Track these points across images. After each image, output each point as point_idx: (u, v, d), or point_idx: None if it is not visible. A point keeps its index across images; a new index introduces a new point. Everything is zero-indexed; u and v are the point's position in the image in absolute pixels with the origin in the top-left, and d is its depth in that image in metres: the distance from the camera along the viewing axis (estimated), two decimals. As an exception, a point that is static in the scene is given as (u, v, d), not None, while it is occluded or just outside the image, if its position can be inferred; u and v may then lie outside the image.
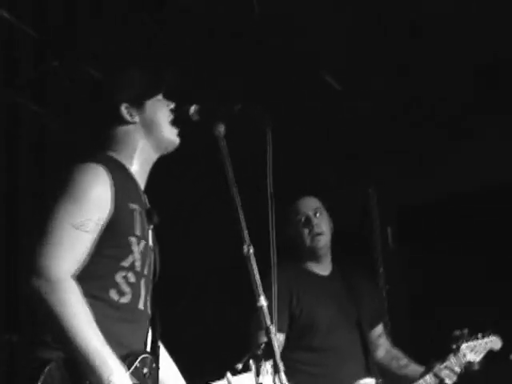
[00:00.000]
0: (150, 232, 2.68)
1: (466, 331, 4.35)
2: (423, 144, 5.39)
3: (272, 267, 2.59)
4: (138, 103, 2.72)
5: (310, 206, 4.19)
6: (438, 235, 5.64)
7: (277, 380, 2.36)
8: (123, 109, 2.70)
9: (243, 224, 2.52)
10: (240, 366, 2.53)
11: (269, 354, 2.41)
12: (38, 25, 4.24)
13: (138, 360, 2.49)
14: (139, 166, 2.72)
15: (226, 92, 3.63)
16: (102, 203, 2.48)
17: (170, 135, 2.75)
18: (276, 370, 2.37)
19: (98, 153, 2.67)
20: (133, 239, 2.56)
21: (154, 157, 2.77)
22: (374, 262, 5.76)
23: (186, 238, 5.38)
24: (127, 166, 2.69)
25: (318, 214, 4.17)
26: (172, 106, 2.78)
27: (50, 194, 2.49)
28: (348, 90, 4.92)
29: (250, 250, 2.49)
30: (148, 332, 2.67)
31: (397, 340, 5.52)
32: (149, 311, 2.65)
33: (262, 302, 2.44)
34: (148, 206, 2.72)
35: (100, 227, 2.47)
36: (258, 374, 2.42)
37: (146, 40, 4.34)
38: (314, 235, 4.13)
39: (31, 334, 2.47)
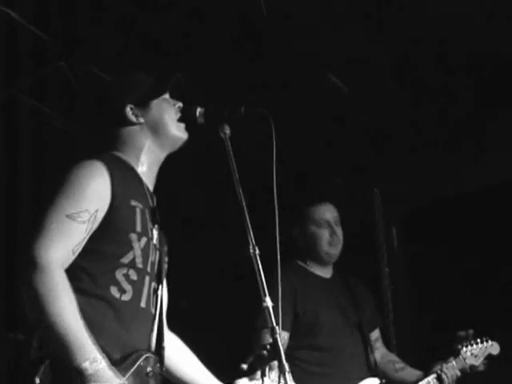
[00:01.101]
0: (155, 231, 2.67)
1: (470, 332, 4.36)
2: (428, 144, 5.39)
3: (278, 268, 2.59)
4: (143, 104, 2.72)
5: (333, 214, 4.29)
6: (443, 235, 5.63)
7: (282, 381, 2.36)
8: (128, 110, 2.70)
9: (248, 225, 2.52)
10: (245, 366, 2.54)
11: (274, 354, 2.42)
12: (41, 23, 4.24)
13: (142, 359, 2.48)
14: (147, 167, 2.72)
15: (231, 94, 3.63)
16: (101, 196, 2.48)
17: (177, 131, 2.75)
18: (281, 371, 2.37)
19: (103, 153, 2.66)
20: (133, 236, 2.55)
21: (161, 156, 2.77)
22: (379, 261, 5.76)
23: (194, 240, 5.39)
24: (134, 166, 2.69)
25: (338, 223, 4.28)
26: (179, 104, 2.78)
27: (51, 189, 2.51)
28: (353, 93, 4.91)
29: (255, 250, 2.50)
30: (152, 331, 2.65)
31: (401, 340, 5.54)
32: (152, 310, 2.64)
33: (268, 302, 2.44)
34: (154, 205, 2.71)
35: (98, 220, 2.47)
36: (263, 375, 2.43)
37: (151, 41, 4.34)
38: (334, 243, 4.22)
39: (29, 330, 2.47)
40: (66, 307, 2.31)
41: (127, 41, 4.32)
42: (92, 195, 2.46)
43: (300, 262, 4.25)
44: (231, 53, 4.41)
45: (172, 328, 2.88)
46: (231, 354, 3.15)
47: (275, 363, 2.42)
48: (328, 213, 4.26)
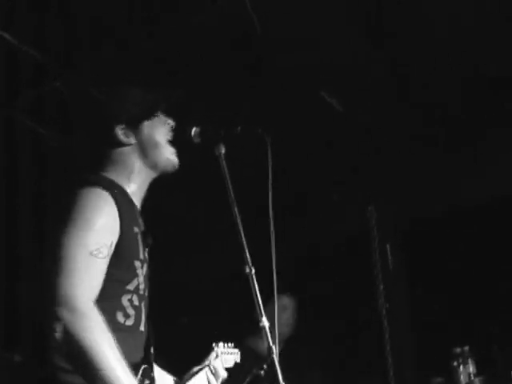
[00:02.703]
0: (146, 254, 2.67)
1: (466, 348, 4.36)
2: (421, 160, 5.41)
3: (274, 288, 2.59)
4: (134, 124, 2.70)
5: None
6: (438, 251, 5.64)
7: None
8: (119, 130, 2.68)
9: (244, 244, 2.52)
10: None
11: (271, 375, 2.41)
12: (38, 45, 4.25)
13: (140, 372, 2.50)
14: (136, 187, 2.69)
15: (226, 112, 3.63)
16: (113, 228, 2.48)
17: (168, 156, 2.72)
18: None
19: (94, 174, 2.65)
20: (137, 263, 2.56)
21: (151, 176, 2.74)
22: (374, 279, 5.76)
23: (188, 253, 5.40)
24: (124, 186, 2.66)
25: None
26: (170, 122, 2.76)
27: (59, 220, 2.46)
28: (349, 106, 4.93)
29: (251, 270, 2.50)
30: (144, 349, 2.65)
31: (398, 356, 5.53)
32: (146, 332, 2.64)
33: (264, 322, 2.43)
34: (143, 227, 2.69)
35: (112, 250, 2.47)
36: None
37: (144, 61, 4.34)
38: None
39: (48, 359, 2.45)
40: (108, 350, 2.30)
41: (122, 59, 4.32)
42: (106, 229, 2.45)
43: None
44: (227, 69, 4.42)
45: (172, 344, 2.89)
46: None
47: None
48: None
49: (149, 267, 2.70)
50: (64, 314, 2.28)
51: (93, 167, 2.70)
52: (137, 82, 4.20)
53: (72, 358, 2.32)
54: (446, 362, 4.58)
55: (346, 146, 5.28)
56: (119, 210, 2.50)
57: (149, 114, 2.73)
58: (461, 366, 4.50)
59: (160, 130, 2.73)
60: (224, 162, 2.64)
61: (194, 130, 2.72)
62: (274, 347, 2.42)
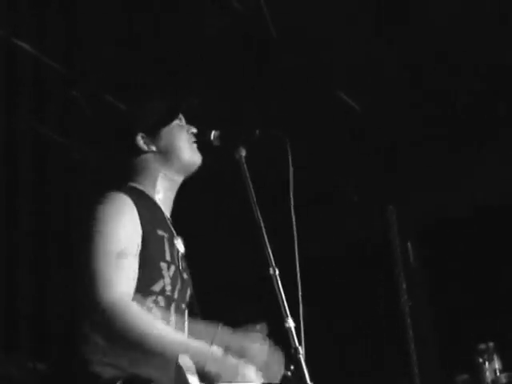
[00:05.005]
0: (180, 258, 2.69)
1: (491, 344, 4.34)
2: (442, 159, 5.39)
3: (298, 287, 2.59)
4: (153, 132, 2.72)
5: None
6: (459, 250, 5.63)
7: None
8: (139, 139, 2.70)
9: (267, 246, 2.53)
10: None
11: (298, 375, 2.41)
12: (62, 58, 4.29)
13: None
14: (163, 194, 2.72)
15: (245, 115, 3.66)
16: (136, 228, 2.51)
17: (191, 156, 2.74)
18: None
19: (120, 184, 2.68)
20: (163, 264, 2.57)
21: (177, 182, 2.76)
22: (396, 277, 5.76)
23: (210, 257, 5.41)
24: (151, 195, 2.69)
25: None
26: (192, 129, 2.78)
27: (83, 224, 2.50)
28: (366, 107, 4.93)
29: (275, 271, 2.51)
30: None
31: (421, 355, 5.52)
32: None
33: (290, 323, 2.44)
34: (175, 233, 2.72)
35: (139, 250, 2.50)
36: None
37: (161, 68, 4.36)
38: None
39: (84, 355, 2.46)
40: (161, 330, 2.37)
41: (138, 67, 4.34)
42: (129, 228, 2.49)
43: None
44: (244, 72, 4.43)
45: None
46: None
47: None
48: None
49: (186, 273, 2.72)
50: (109, 310, 2.33)
51: (119, 178, 2.73)
52: (153, 89, 4.26)
53: (131, 351, 2.36)
54: (470, 359, 4.56)
55: (365, 145, 5.28)
56: (138, 211, 2.53)
57: (167, 121, 2.75)
58: (486, 363, 4.47)
59: (179, 136, 2.75)
60: (244, 165, 2.66)
61: (213, 133, 2.73)
62: (300, 348, 2.42)
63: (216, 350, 2.37)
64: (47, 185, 4.44)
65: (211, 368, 2.34)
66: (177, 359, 2.29)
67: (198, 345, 2.38)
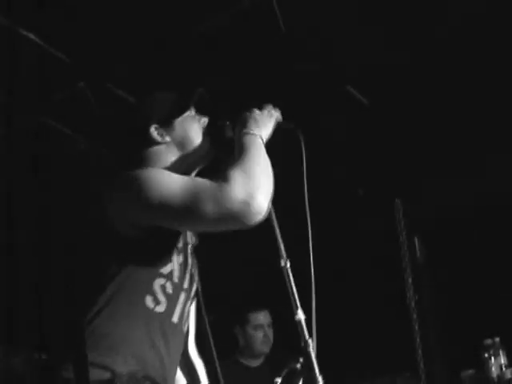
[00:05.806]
0: (189, 251, 2.67)
1: (497, 339, 4.34)
2: (451, 153, 5.39)
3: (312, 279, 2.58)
4: (167, 123, 2.70)
5: (267, 319, 5.25)
6: (466, 244, 5.63)
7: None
8: (153, 130, 2.69)
9: (279, 238, 2.53)
10: (279, 380, 2.54)
11: (308, 368, 2.41)
12: (66, 47, 4.28)
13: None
14: None
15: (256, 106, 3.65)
16: None
17: (205, 146, 2.72)
18: (315, 384, 2.37)
19: None
20: (174, 250, 2.55)
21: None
22: (403, 271, 5.76)
23: (223, 255, 5.42)
24: None
25: (270, 327, 5.24)
26: (204, 119, 2.77)
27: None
28: (375, 103, 4.92)
29: (287, 263, 2.50)
30: (181, 348, 2.65)
31: (427, 350, 5.52)
32: (184, 328, 2.63)
33: (300, 315, 2.44)
34: None
35: None
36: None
37: (173, 59, 4.35)
38: (266, 342, 5.20)
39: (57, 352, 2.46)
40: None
41: (148, 59, 4.33)
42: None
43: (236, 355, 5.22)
44: (256, 66, 4.43)
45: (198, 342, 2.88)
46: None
47: None
48: (263, 319, 5.23)
49: (194, 268, 2.69)
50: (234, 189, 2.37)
51: (129, 170, 2.71)
52: (162, 81, 4.25)
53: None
54: (476, 354, 4.56)
55: (372, 140, 5.27)
56: None
57: (179, 112, 2.74)
58: (492, 358, 4.48)
59: (192, 126, 2.73)
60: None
61: (226, 124, 2.72)
62: (310, 341, 2.42)
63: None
64: (51, 178, 4.43)
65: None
66: None
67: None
